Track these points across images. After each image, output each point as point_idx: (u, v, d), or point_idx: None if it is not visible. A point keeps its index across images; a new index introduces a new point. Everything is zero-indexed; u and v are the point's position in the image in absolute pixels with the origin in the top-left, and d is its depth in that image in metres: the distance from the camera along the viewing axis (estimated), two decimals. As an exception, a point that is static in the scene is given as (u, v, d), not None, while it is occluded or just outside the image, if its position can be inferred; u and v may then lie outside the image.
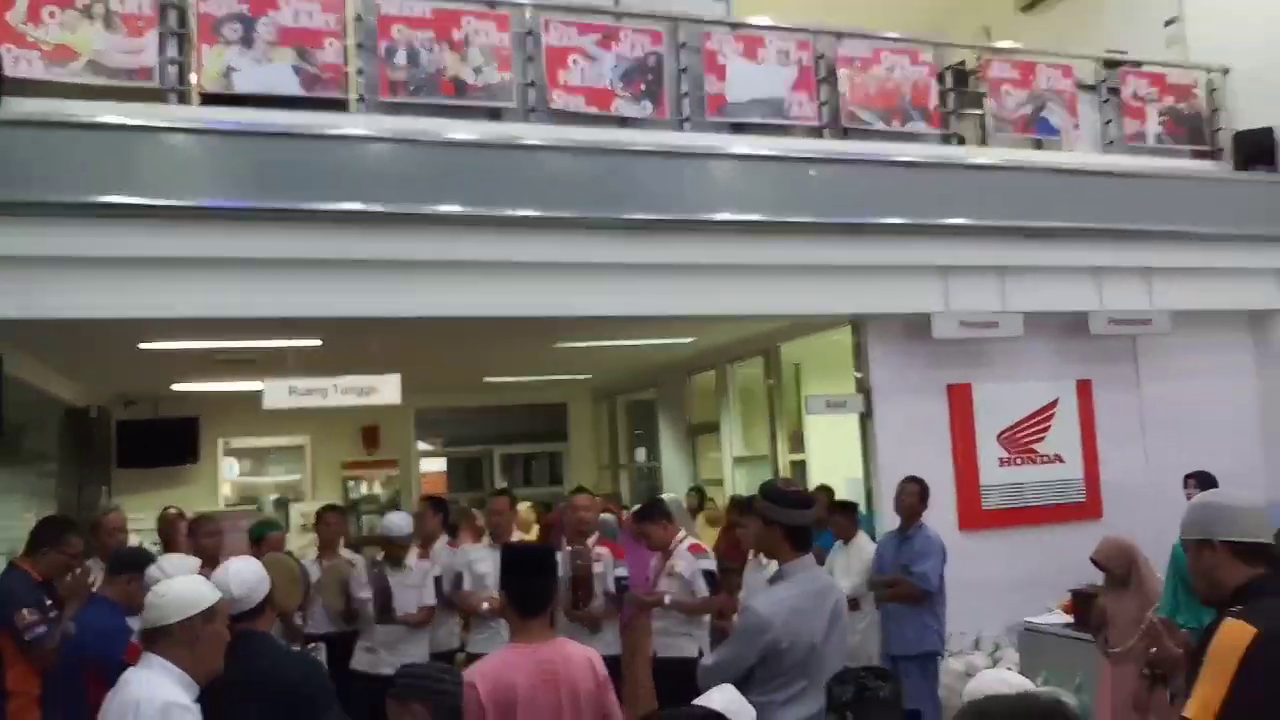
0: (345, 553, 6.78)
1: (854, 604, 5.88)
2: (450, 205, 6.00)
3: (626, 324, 7.46)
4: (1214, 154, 8.45)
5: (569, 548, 5.77)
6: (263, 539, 6.35)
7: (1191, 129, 8.42)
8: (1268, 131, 8.20)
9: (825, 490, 7.34)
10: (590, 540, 5.84)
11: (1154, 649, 2.76)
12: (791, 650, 3.25)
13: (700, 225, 6.58)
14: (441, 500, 7.60)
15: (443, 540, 6.81)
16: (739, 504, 5.51)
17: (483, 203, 6.06)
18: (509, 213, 6.11)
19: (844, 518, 6.71)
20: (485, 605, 5.84)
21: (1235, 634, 2.33)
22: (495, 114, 6.40)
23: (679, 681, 5.36)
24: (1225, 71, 8.53)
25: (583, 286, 6.45)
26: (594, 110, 6.53)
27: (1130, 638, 4.78)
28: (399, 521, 6.24)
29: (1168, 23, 9.21)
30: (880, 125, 7.28)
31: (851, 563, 6.55)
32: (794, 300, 7.05)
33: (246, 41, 5.79)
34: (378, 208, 5.84)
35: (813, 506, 3.59)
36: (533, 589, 3.22)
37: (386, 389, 6.36)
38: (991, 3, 10.95)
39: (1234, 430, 8.17)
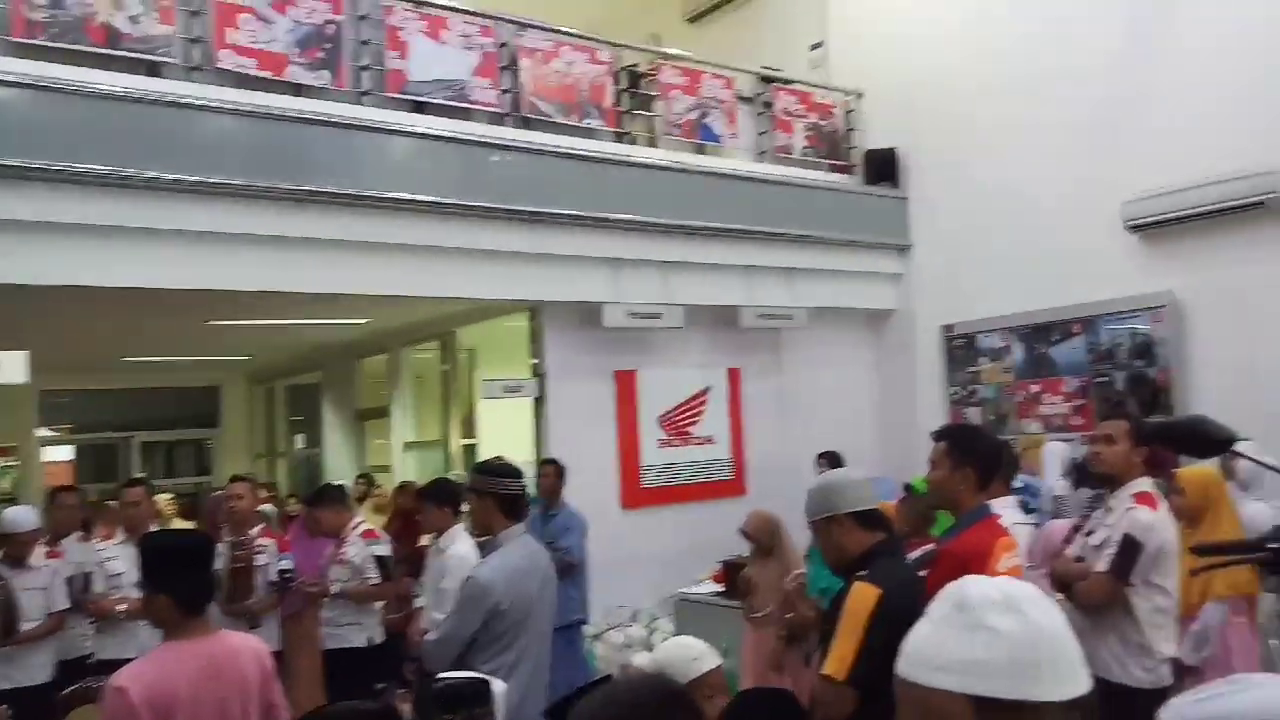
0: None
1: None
2: (91, 163, 5.40)
3: (292, 302, 7.09)
4: (848, 168, 9.48)
5: (228, 539, 5.42)
6: None
7: (831, 145, 9.39)
8: (891, 151, 9.34)
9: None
10: (254, 531, 5.52)
11: (790, 614, 3.03)
12: (512, 610, 3.40)
13: (376, 202, 6.40)
14: (73, 490, 6.83)
15: (75, 536, 6.12)
16: (419, 491, 5.43)
17: (131, 162, 5.51)
18: (162, 175, 5.61)
19: None
20: (123, 607, 5.28)
21: (864, 595, 2.59)
22: (154, 69, 5.83)
23: (347, 673, 5.25)
24: (859, 95, 9.59)
25: (244, 259, 6.07)
26: (266, 75, 6.14)
27: (771, 603, 5.27)
28: (21, 515, 5.54)
29: (813, 47, 10.21)
30: (559, 118, 7.46)
31: None
32: (472, 285, 7.06)
33: None
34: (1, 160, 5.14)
35: (522, 477, 3.70)
36: (194, 584, 2.99)
37: (9, 366, 5.60)
38: (661, 11, 11.56)
39: (856, 415, 9.24)
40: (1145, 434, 3.53)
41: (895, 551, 2.91)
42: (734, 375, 8.66)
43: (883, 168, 9.31)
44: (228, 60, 6.00)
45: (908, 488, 5.20)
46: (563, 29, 7.68)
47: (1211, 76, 7.12)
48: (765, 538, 5.52)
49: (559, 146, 7.26)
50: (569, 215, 7.21)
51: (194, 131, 5.77)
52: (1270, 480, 4.76)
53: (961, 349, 8.91)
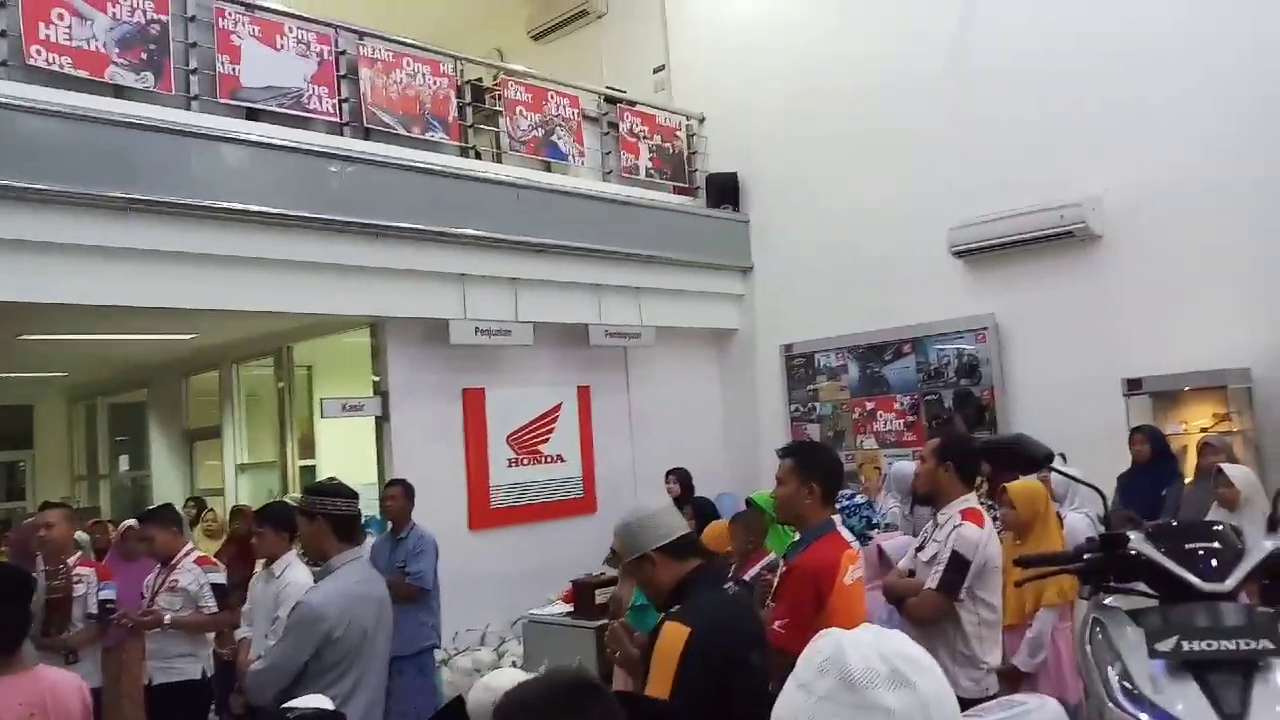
0: None
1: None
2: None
3: (114, 315, 6.67)
4: (692, 191, 9.66)
5: (43, 568, 5.03)
6: None
7: (675, 167, 9.55)
8: (733, 175, 9.57)
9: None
10: (72, 560, 5.14)
11: (616, 653, 2.97)
12: (345, 638, 3.24)
13: (206, 211, 6.10)
14: None
15: None
16: (257, 514, 5.17)
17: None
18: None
19: None
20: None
21: (674, 635, 2.52)
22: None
23: (174, 707, 4.95)
24: (701, 119, 9.80)
25: (61, 270, 5.67)
26: (83, 74, 5.76)
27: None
28: None
29: (656, 70, 10.39)
30: (401, 130, 7.31)
31: None
32: (310, 299, 6.81)
33: None
34: None
35: (356, 497, 3.54)
36: (9, 621, 2.84)
37: None
38: (504, 27, 11.52)
39: (703, 431, 9.40)
40: (973, 451, 3.69)
41: (712, 577, 2.83)
42: (583, 393, 8.66)
43: (725, 191, 9.54)
44: (39, 57, 5.60)
45: (749, 502, 5.31)
46: (404, 39, 7.54)
47: (1022, 110, 7.62)
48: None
49: (401, 159, 7.11)
50: (413, 229, 7.06)
51: (3, 132, 5.36)
52: (1086, 492, 5.10)
53: (801, 367, 9.20)
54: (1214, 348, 6.60)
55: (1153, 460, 6.16)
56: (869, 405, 8.68)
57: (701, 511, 6.76)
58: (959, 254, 7.91)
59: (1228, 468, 5.11)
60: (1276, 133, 6.51)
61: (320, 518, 3.40)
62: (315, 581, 3.61)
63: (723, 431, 9.69)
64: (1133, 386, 6.80)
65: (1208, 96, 6.78)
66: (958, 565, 3.45)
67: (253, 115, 6.60)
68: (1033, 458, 2.68)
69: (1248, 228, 6.61)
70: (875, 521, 5.96)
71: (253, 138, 6.41)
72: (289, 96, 6.74)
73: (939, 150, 8.14)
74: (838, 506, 5.59)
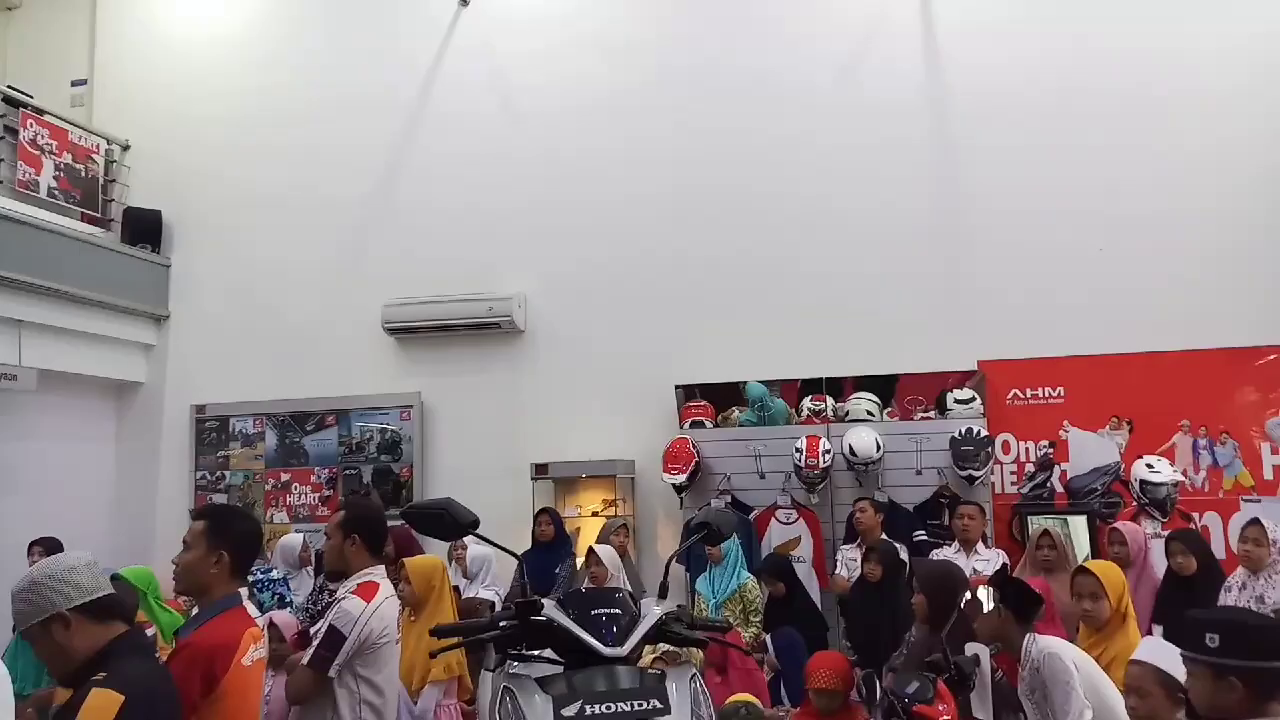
0: None
1: None
2: None
3: None
4: (105, 223, 8.56)
5: None
6: None
7: (87, 192, 8.41)
8: (157, 213, 8.68)
9: None
10: None
11: None
12: None
13: None
14: None
15: None
16: None
17: None
18: None
19: None
20: None
21: (103, 702, 2.25)
22: None
23: None
24: (126, 146, 8.81)
25: None
26: None
27: None
28: None
29: (76, 83, 9.18)
30: None
31: None
32: None
33: None
34: None
35: None
36: None
37: None
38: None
39: (89, 496, 8.22)
40: (380, 521, 3.58)
41: (139, 645, 2.54)
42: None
43: (145, 229, 8.62)
44: None
45: (114, 578, 4.69)
46: None
47: (464, 204, 8.04)
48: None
49: None
50: None
51: None
52: (496, 570, 5.32)
53: (213, 431, 8.50)
54: (606, 441, 7.40)
55: (554, 540, 6.67)
56: (284, 476, 8.26)
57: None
58: (391, 331, 7.97)
59: (597, 548, 5.71)
60: (669, 249, 7.61)
61: None
62: None
63: (114, 496, 8.55)
64: (539, 471, 7.34)
65: (627, 208, 7.70)
66: (332, 641, 3.28)
67: None
68: (459, 523, 2.70)
69: (634, 339, 7.56)
70: (289, 599, 5.61)
71: None
72: None
73: (378, 226, 8.22)
74: (250, 580, 5.19)
